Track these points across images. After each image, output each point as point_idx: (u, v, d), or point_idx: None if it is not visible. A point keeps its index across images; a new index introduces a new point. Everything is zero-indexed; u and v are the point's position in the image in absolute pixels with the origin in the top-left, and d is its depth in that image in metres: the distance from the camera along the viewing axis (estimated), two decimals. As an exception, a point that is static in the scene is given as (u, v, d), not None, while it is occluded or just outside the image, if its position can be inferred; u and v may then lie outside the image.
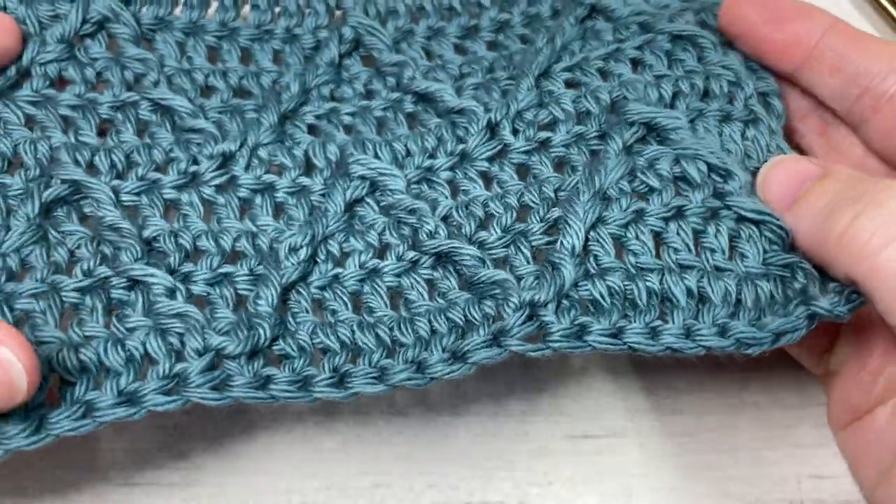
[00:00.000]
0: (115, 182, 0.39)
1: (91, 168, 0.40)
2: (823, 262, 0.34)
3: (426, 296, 0.37)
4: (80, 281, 0.37)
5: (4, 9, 0.42)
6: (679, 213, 0.38)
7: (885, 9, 0.52)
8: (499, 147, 0.40)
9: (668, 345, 0.36)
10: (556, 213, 0.38)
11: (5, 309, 0.36)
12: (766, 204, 0.37)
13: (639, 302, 0.36)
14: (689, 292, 0.36)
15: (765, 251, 0.36)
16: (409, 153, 0.40)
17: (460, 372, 0.36)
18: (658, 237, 0.38)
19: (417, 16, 0.45)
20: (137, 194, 0.39)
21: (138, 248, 0.37)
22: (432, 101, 0.42)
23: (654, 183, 0.38)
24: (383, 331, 0.36)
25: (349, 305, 0.37)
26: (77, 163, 0.39)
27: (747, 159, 0.39)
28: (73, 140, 0.40)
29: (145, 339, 0.35)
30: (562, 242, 0.37)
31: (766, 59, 0.42)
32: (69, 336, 0.35)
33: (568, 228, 0.37)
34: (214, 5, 0.45)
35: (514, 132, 0.40)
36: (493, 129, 0.40)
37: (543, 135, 0.40)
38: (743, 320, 0.35)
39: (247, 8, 0.45)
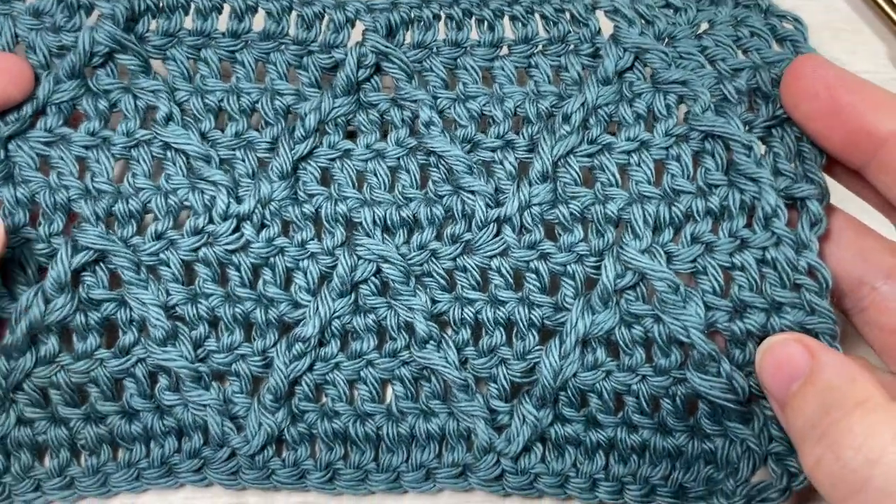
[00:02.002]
0: (135, 240, 0.40)
1: (111, 217, 0.41)
2: None
3: (413, 394, 0.42)
4: (121, 362, 0.41)
5: (16, 37, 0.41)
6: (643, 380, 0.41)
7: (883, 10, 0.52)
8: (502, 247, 0.41)
9: (601, 499, 0.42)
10: (535, 355, 0.41)
11: (63, 379, 0.40)
12: (765, 388, 0.38)
13: (589, 453, 0.41)
14: (634, 449, 0.41)
15: (723, 416, 0.40)
16: (416, 222, 0.41)
17: (430, 490, 0.42)
18: (619, 396, 0.41)
19: (446, 26, 0.43)
20: (157, 254, 0.41)
21: (166, 328, 0.40)
22: (447, 162, 0.42)
23: (627, 345, 0.40)
24: (371, 428, 0.42)
25: (346, 393, 0.42)
26: (97, 217, 0.40)
27: (769, 286, 0.39)
28: (91, 188, 0.41)
29: (181, 416, 0.41)
30: (535, 394, 0.41)
31: (830, 152, 0.40)
32: (122, 405, 0.41)
33: (542, 382, 0.40)
34: (227, 9, 0.43)
35: (521, 229, 0.41)
36: (500, 223, 0.41)
37: (546, 247, 0.41)
38: (675, 484, 0.41)
39: (259, 17, 0.43)
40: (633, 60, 0.42)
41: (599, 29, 0.43)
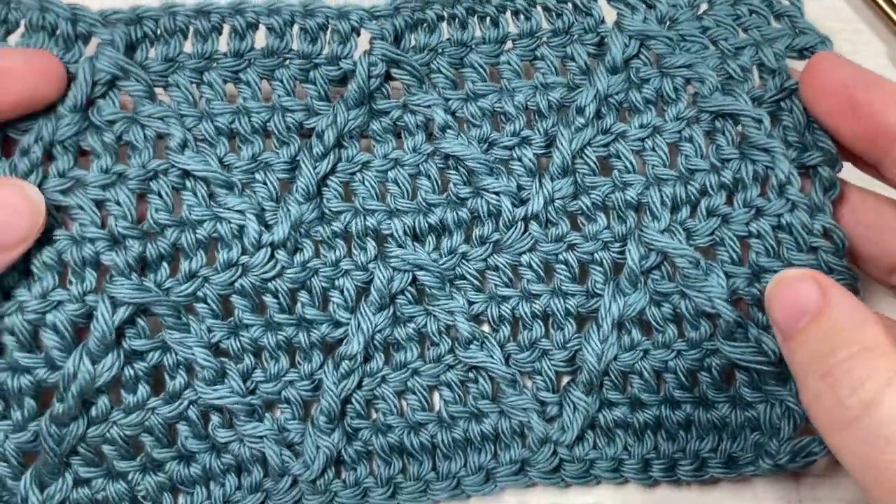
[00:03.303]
0: (170, 283, 0.40)
1: (143, 261, 0.39)
2: None
3: (461, 397, 0.42)
4: (173, 408, 0.40)
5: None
6: (678, 354, 0.41)
7: (883, 10, 0.52)
8: (530, 243, 0.41)
9: (656, 478, 0.42)
10: (574, 342, 0.41)
11: (117, 434, 0.40)
12: (772, 322, 0.38)
13: (639, 434, 0.42)
14: (680, 424, 0.42)
15: (760, 381, 0.41)
16: (444, 228, 0.41)
17: (491, 492, 0.42)
18: (659, 374, 0.42)
19: (449, 26, 0.43)
20: (192, 294, 0.40)
21: (215, 368, 0.40)
22: (466, 165, 0.41)
23: (659, 323, 0.41)
24: (426, 437, 0.41)
25: (397, 406, 0.42)
26: (130, 267, 0.39)
27: (786, 251, 0.40)
28: (116, 233, 0.39)
29: (238, 452, 0.41)
30: (581, 380, 0.41)
31: (847, 147, 0.40)
32: (178, 450, 0.41)
33: (587, 368, 0.41)
34: (227, 31, 0.42)
35: (547, 223, 0.41)
36: (527, 220, 0.41)
37: (572, 237, 0.41)
38: (724, 455, 0.41)
39: (261, 34, 0.42)
40: (639, 47, 0.42)
41: (603, 17, 0.43)
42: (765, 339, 0.40)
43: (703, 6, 0.44)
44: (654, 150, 0.42)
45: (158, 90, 0.41)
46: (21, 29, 0.41)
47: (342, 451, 0.41)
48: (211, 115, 0.41)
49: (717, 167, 0.41)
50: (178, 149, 0.40)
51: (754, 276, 0.41)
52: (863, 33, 0.53)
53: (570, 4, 0.43)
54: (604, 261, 0.41)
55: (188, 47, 0.42)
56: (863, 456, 0.32)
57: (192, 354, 0.39)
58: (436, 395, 0.43)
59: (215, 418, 0.41)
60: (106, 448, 0.40)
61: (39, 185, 0.39)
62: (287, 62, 0.42)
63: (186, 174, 0.40)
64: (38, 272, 0.39)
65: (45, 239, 0.39)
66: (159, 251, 0.40)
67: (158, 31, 0.41)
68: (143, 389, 0.40)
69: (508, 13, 0.43)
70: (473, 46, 0.43)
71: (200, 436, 0.41)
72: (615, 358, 0.41)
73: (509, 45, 0.43)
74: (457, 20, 0.43)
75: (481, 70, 0.42)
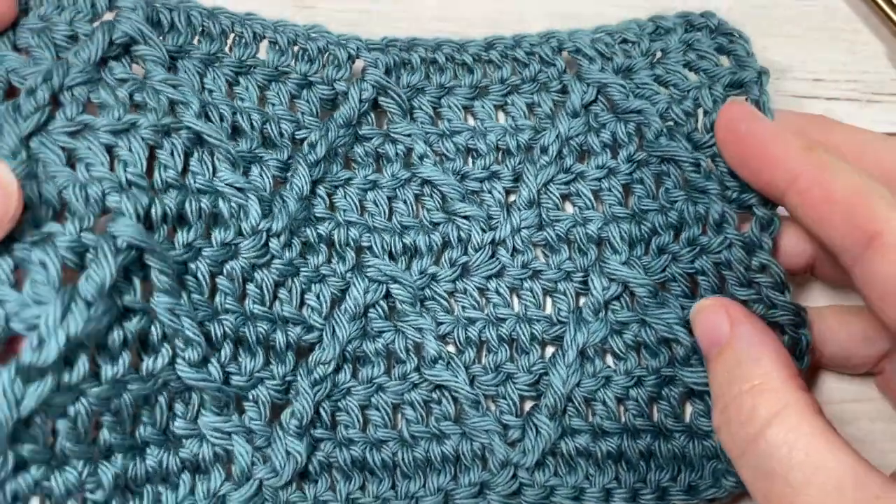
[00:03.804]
0: (165, 247, 0.38)
1: (147, 219, 0.38)
2: None
3: (424, 418, 0.43)
4: (143, 386, 0.38)
5: (15, 41, 0.39)
6: (638, 382, 0.43)
7: (883, 10, 0.52)
8: (497, 267, 0.44)
9: None
10: (539, 367, 0.43)
11: (84, 403, 0.36)
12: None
13: (600, 463, 0.42)
14: (641, 454, 0.43)
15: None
16: (416, 250, 0.44)
17: None
18: (620, 402, 0.43)
19: (430, 70, 0.46)
20: (184, 264, 0.40)
21: (202, 348, 0.39)
22: (440, 191, 0.45)
23: (621, 351, 0.43)
24: (387, 454, 0.42)
25: (360, 420, 0.42)
26: (137, 215, 0.36)
27: (730, 286, 0.42)
28: (124, 179, 0.37)
29: (198, 451, 0.40)
30: (545, 404, 0.42)
31: (756, 188, 0.42)
32: (136, 440, 0.39)
33: (552, 392, 0.42)
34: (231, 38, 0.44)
35: (514, 251, 0.44)
36: (494, 245, 0.44)
37: (537, 265, 0.44)
38: (684, 483, 0.42)
39: (264, 47, 0.44)
40: (597, 93, 0.45)
41: (565, 68, 0.46)
42: None
43: (658, 54, 0.46)
44: (610, 190, 0.45)
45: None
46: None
47: (308, 461, 0.41)
48: (215, 105, 0.42)
49: (665, 207, 0.44)
50: (192, 114, 0.40)
51: None
52: (862, 33, 0.53)
53: (536, 56, 0.46)
54: (567, 290, 0.44)
55: (196, 43, 0.43)
56: (753, 486, 0.35)
57: (181, 326, 0.37)
58: (398, 415, 0.44)
59: (178, 407, 0.39)
60: (61, 425, 0.35)
61: (45, 125, 0.37)
62: (284, 77, 0.44)
63: (197, 142, 0.40)
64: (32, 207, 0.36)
65: (46, 175, 0.36)
66: (163, 210, 0.38)
67: (172, 22, 0.42)
68: (123, 359, 0.36)
69: (482, 63, 0.46)
70: (451, 89, 0.46)
71: (159, 426, 0.39)
72: (578, 384, 0.43)
73: (483, 90, 0.47)
74: (437, 64, 0.46)
75: (457, 111, 0.46)
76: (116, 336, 0.36)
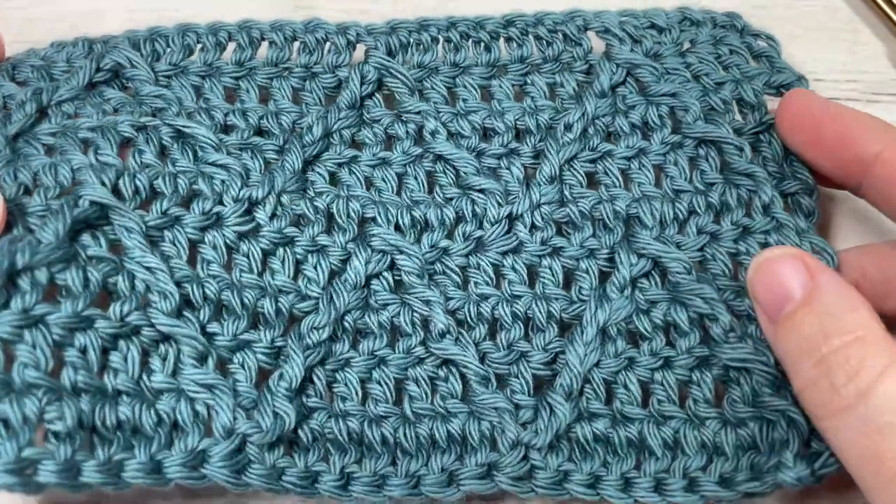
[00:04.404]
0: (139, 212, 0.39)
1: (115, 193, 0.39)
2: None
3: (428, 395, 0.40)
4: (109, 325, 0.37)
5: (14, 76, 0.44)
6: (666, 364, 0.40)
7: (883, 10, 0.52)
8: (514, 243, 0.42)
9: (637, 498, 0.39)
10: (556, 345, 0.40)
11: (43, 331, 0.36)
12: (754, 301, 0.38)
13: (619, 451, 0.40)
14: (666, 443, 0.39)
15: (755, 394, 0.39)
16: (427, 224, 0.42)
17: (452, 497, 0.39)
18: (644, 386, 0.40)
19: (444, 49, 0.45)
20: (160, 230, 0.40)
21: (175, 298, 0.38)
22: (454, 167, 0.43)
23: (647, 330, 0.40)
24: (388, 430, 0.39)
25: (358, 393, 0.40)
26: (102, 184, 0.39)
27: None
28: (94, 160, 0.40)
29: (175, 406, 0.37)
30: (561, 384, 0.40)
31: (826, 176, 0.42)
32: (105, 385, 0.37)
33: (567, 371, 0.40)
34: (231, 46, 0.45)
35: (532, 227, 0.42)
36: (512, 220, 0.42)
37: (558, 242, 0.42)
38: (714, 474, 0.38)
39: (264, 46, 0.45)
40: (626, 75, 0.44)
41: (591, 47, 0.45)
42: (761, 346, 0.39)
43: (687, 44, 0.45)
44: (640, 169, 0.43)
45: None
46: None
47: (298, 428, 0.39)
48: (208, 110, 0.43)
49: (702, 190, 0.42)
50: (172, 115, 0.42)
51: (744, 291, 0.40)
52: (862, 33, 0.53)
53: (560, 34, 0.45)
54: (589, 269, 0.41)
55: (194, 58, 0.45)
56: (857, 444, 0.32)
57: (153, 277, 0.38)
58: (401, 390, 0.41)
59: (156, 362, 0.38)
60: (21, 350, 0.36)
61: (31, 127, 0.41)
62: (286, 73, 0.44)
63: (177, 137, 0.42)
64: (7, 189, 0.39)
65: (24, 163, 0.40)
66: (134, 185, 0.40)
67: (168, 45, 0.44)
68: (85, 296, 0.37)
69: (502, 40, 0.45)
70: (466, 69, 0.44)
71: (131, 375, 0.37)
72: (598, 364, 0.40)
73: (501, 69, 0.45)
74: (451, 43, 0.44)
75: (473, 90, 0.44)
76: (74, 276, 0.37)
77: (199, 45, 0.44)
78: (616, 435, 0.39)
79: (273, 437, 0.38)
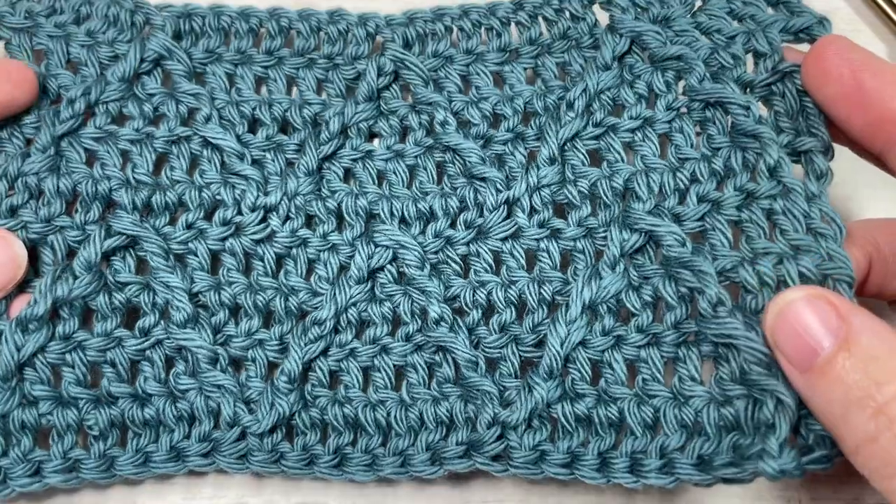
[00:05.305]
0: (167, 229, 0.43)
1: (147, 208, 0.43)
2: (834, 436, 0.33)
3: (425, 380, 0.42)
4: (137, 342, 0.42)
5: (69, 55, 0.46)
6: (655, 340, 0.40)
7: (883, 10, 0.52)
8: (513, 228, 0.42)
9: (613, 479, 0.39)
10: (544, 328, 0.41)
11: (78, 357, 0.42)
12: (776, 350, 0.35)
13: (599, 430, 0.40)
14: (646, 423, 0.39)
15: (742, 372, 0.37)
16: (432, 214, 0.43)
17: (435, 475, 0.41)
18: (630, 364, 0.40)
19: (458, 37, 0.47)
20: (186, 243, 0.43)
21: (188, 311, 0.42)
22: (461, 156, 0.44)
23: (636, 307, 0.40)
24: (382, 414, 0.41)
25: (360, 381, 0.42)
26: (134, 206, 0.43)
27: (781, 234, 0.39)
28: (131, 178, 0.44)
29: (194, 400, 0.42)
30: (543, 363, 0.40)
31: (850, 134, 0.39)
32: (136, 389, 0.42)
33: (549, 350, 0.40)
34: (263, 32, 0.48)
35: (531, 211, 0.42)
36: (510, 205, 0.43)
37: (556, 223, 0.42)
38: (692, 455, 0.37)
39: (292, 34, 0.48)
40: (630, 45, 0.44)
41: (596, 21, 0.46)
42: (750, 318, 0.37)
43: (698, 3, 0.45)
44: (644, 140, 0.43)
45: (196, 77, 0.47)
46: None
47: (296, 416, 0.41)
48: (238, 102, 0.46)
49: (707, 156, 0.42)
50: (202, 121, 0.45)
51: (746, 261, 0.38)
52: (863, 33, 0.53)
53: (566, 13, 0.46)
54: (586, 248, 0.42)
55: (228, 43, 0.47)
56: None
57: (171, 294, 0.42)
58: (401, 378, 0.43)
59: (179, 365, 0.42)
60: (65, 371, 0.42)
61: (76, 130, 0.44)
62: (312, 64, 0.47)
63: (206, 144, 0.45)
64: (48, 196, 0.43)
65: (66, 170, 0.44)
66: (165, 202, 0.43)
67: (204, 27, 0.47)
68: (113, 320, 0.42)
69: (512, 25, 0.46)
70: (479, 55, 0.46)
71: (160, 379, 0.42)
72: (584, 344, 0.40)
73: (513, 53, 0.46)
74: (464, 31, 0.46)
75: (486, 77, 0.45)
76: (104, 301, 0.42)
77: (233, 30, 0.47)
78: (597, 414, 0.39)
79: (266, 427, 0.41)
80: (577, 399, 0.40)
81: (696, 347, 0.39)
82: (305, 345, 0.41)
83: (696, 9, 0.45)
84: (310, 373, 0.42)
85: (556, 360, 0.40)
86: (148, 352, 0.42)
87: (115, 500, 0.45)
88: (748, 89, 0.42)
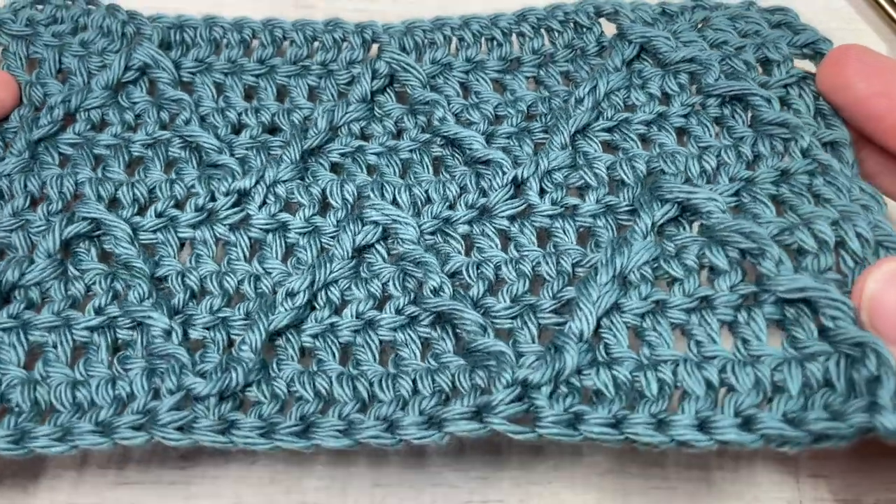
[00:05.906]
0: (136, 219, 0.41)
1: (114, 202, 0.42)
2: None
3: (418, 355, 0.38)
4: (91, 319, 0.39)
5: (61, 64, 0.46)
6: (705, 303, 0.37)
7: (884, 10, 0.52)
8: (522, 206, 0.40)
9: (675, 437, 0.34)
10: (569, 292, 0.38)
11: (21, 336, 0.39)
12: (873, 329, 0.33)
13: (647, 393, 0.35)
14: (709, 383, 0.35)
15: (828, 329, 0.35)
16: (429, 200, 0.41)
17: (432, 439, 0.35)
18: (680, 329, 0.37)
19: (458, 46, 0.46)
20: (155, 232, 0.41)
21: (146, 288, 0.40)
22: (461, 146, 0.42)
23: (678, 273, 0.37)
24: (363, 384, 0.37)
25: (337, 356, 0.38)
26: (100, 197, 0.42)
27: (825, 203, 0.38)
28: (99, 175, 0.43)
29: (133, 379, 0.37)
30: (570, 326, 0.36)
31: (872, 136, 0.39)
32: (74, 373, 0.38)
33: (578, 312, 0.36)
34: (255, 43, 0.47)
35: (542, 192, 0.41)
36: (518, 185, 0.41)
37: (571, 201, 0.40)
38: (777, 412, 0.33)
39: (286, 44, 0.47)
40: (640, 50, 0.44)
41: (602, 32, 0.45)
42: (820, 278, 0.35)
43: (701, 24, 0.46)
44: (660, 131, 0.42)
45: (183, 86, 0.46)
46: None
47: (256, 384, 0.37)
48: (223, 109, 0.45)
49: (732, 144, 0.41)
50: (182, 123, 0.44)
51: (800, 224, 0.37)
52: (863, 33, 0.53)
53: (572, 24, 0.46)
54: (608, 224, 0.40)
55: (219, 53, 0.47)
56: None
57: (129, 274, 0.40)
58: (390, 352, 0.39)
59: (128, 351, 0.39)
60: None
61: (52, 136, 0.44)
62: (305, 70, 0.46)
63: (185, 146, 0.44)
64: (16, 193, 0.42)
65: (37, 170, 0.43)
66: (133, 194, 0.42)
67: (196, 38, 0.47)
68: (63, 299, 0.39)
69: (514, 36, 0.46)
70: (479, 63, 0.45)
71: (104, 363, 0.38)
72: (618, 308, 0.37)
73: (514, 63, 0.45)
74: (464, 42, 0.46)
75: (486, 84, 0.45)
76: (58, 285, 0.40)
77: (225, 41, 0.47)
78: (644, 378, 0.35)
79: (215, 388, 0.36)
80: (614, 364, 0.36)
81: (759, 309, 0.36)
82: (273, 315, 0.38)
83: (699, 27, 0.45)
84: (278, 347, 0.38)
85: (587, 321, 0.36)
86: (95, 334, 0.38)
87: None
88: (763, 88, 0.42)
